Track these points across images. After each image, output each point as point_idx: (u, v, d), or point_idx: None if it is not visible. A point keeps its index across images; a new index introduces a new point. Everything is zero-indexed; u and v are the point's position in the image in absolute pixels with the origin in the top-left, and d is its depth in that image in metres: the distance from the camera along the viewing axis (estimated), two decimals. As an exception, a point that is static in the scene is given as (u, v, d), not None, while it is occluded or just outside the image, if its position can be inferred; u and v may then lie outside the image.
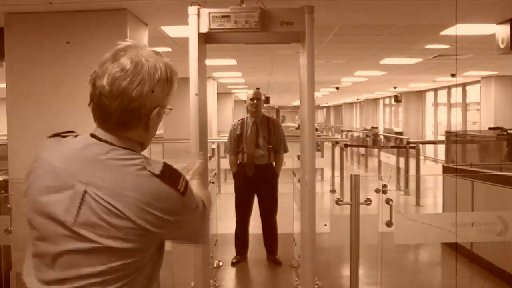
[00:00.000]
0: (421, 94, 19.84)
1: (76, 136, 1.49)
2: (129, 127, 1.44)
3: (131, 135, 1.46)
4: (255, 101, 5.53)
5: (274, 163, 5.57)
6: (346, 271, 4.87)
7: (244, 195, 5.60)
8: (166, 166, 1.42)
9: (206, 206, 1.57)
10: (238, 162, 5.59)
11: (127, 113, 1.41)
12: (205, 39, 3.60)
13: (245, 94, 25.69)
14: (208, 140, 4.94)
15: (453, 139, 9.17)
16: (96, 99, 1.42)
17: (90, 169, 1.38)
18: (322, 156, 11.28)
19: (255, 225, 5.73)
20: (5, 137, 4.67)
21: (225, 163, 11.18)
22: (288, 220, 5.82)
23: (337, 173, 10.54)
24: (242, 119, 5.66)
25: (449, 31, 6.25)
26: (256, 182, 5.50)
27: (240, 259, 5.63)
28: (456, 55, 8.58)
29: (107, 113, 1.42)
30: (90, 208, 1.35)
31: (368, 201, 3.81)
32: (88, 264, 1.36)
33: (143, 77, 1.41)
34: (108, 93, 1.40)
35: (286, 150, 5.63)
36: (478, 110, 14.68)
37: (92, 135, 1.46)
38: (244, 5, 3.47)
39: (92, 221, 1.35)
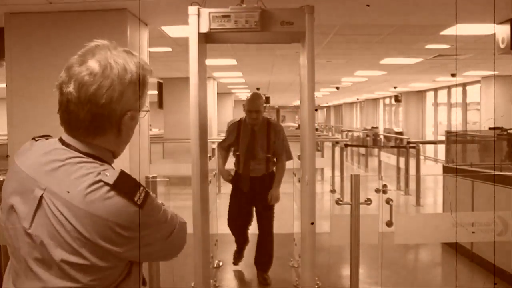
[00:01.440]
0: (421, 94, 19.84)
1: (47, 139, 1.43)
2: (98, 133, 1.35)
3: (100, 141, 1.36)
4: (253, 115, 4.85)
5: (274, 170, 5.00)
6: (346, 271, 4.87)
7: (240, 209, 5.04)
8: (121, 176, 1.29)
9: (183, 221, 1.46)
10: (235, 171, 5.09)
11: (97, 120, 1.33)
12: (205, 39, 3.60)
13: (245, 94, 25.62)
14: (208, 140, 4.95)
15: (453, 139, 9.17)
16: (64, 106, 1.34)
17: (47, 175, 1.30)
18: (322, 156, 11.29)
19: (255, 224, 5.73)
20: (5, 137, 4.66)
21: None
22: (288, 220, 5.82)
23: (337, 173, 10.55)
24: (239, 120, 5.05)
25: (449, 31, 6.25)
26: (252, 196, 4.95)
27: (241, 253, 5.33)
28: (456, 55, 8.58)
29: (75, 120, 1.33)
30: (45, 215, 1.27)
31: (368, 201, 3.81)
32: (45, 275, 1.28)
33: (113, 81, 1.32)
34: (76, 100, 1.31)
35: (289, 158, 4.98)
36: (478, 110, 14.68)
37: (60, 139, 1.38)
38: (244, 5, 3.46)
39: (47, 230, 1.27)
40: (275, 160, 4.94)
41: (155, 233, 1.35)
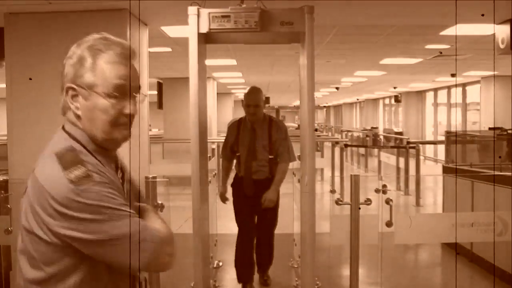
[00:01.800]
0: (421, 94, 19.84)
1: None
2: (64, 111, 1.47)
3: (71, 121, 1.46)
4: (251, 109, 4.54)
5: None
6: (346, 271, 4.86)
7: (244, 213, 4.68)
8: (67, 150, 1.38)
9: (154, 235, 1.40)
10: (236, 174, 4.76)
11: (61, 94, 1.46)
12: (205, 39, 3.60)
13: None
14: (208, 140, 4.95)
15: (453, 139, 9.17)
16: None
17: (40, 155, 1.44)
18: (322, 156, 11.29)
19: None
20: (5, 137, 4.67)
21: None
22: (288, 220, 5.82)
23: (337, 173, 10.55)
24: (240, 119, 4.74)
25: (449, 31, 6.25)
26: (257, 200, 4.55)
27: (246, 286, 4.82)
28: (456, 55, 8.58)
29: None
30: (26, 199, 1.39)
31: (368, 201, 3.81)
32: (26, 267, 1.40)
33: (64, 63, 1.45)
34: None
35: (292, 159, 4.62)
36: (478, 110, 14.68)
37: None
38: (244, 5, 3.47)
39: (23, 216, 1.39)
40: (275, 160, 4.60)
41: (89, 222, 1.31)
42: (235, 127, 4.70)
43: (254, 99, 4.57)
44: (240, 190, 4.65)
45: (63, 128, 1.46)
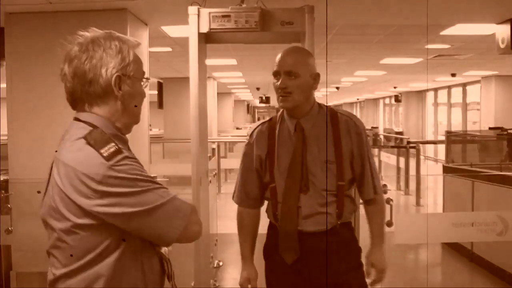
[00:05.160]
0: (421, 94, 19.85)
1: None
2: (93, 102, 1.51)
3: (98, 110, 1.51)
4: (283, 83, 2.25)
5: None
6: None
7: None
8: (94, 131, 1.45)
9: (185, 205, 1.52)
10: (269, 223, 2.44)
11: (85, 89, 1.50)
12: (205, 39, 3.60)
13: (245, 94, 25.47)
14: (208, 140, 4.94)
15: (453, 139, 9.18)
16: (65, 88, 1.55)
17: (59, 149, 1.49)
18: (322, 156, 11.26)
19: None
20: (5, 137, 4.67)
21: (226, 163, 11.25)
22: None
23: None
24: (271, 119, 2.44)
25: (449, 31, 6.25)
26: (307, 278, 2.30)
27: None
28: (454, 55, 8.58)
29: (71, 93, 1.53)
30: (51, 182, 1.46)
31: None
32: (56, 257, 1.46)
33: (90, 52, 1.50)
34: (69, 77, 1.52)
35: (381, 190, 2.46)
36: (478, 110, 14.68)
37: (74, 118, 1.56)
38: (244, 5, 3.47)
39: (49, 205, 1.45)
40: (350, 191, 2.39)
41: (129, 196, 1.39)
42: (264, 136, 2.38)
43: (288, 61, 2.28)
44: (274, 251, 2.38)
45: (77, 119, 1.51)
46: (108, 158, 1.38)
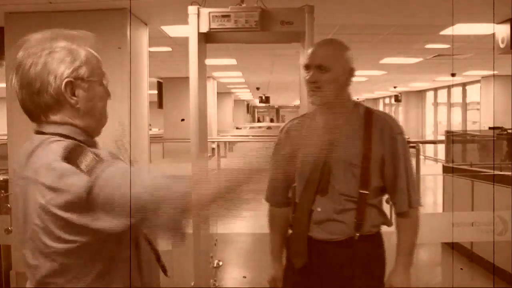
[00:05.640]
0: (421, 93, 19.85)
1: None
2: (47, 113, 1.38)
3: (56, 118, 1.39)
4: (313, 76, 2.14)
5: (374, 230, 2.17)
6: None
7: None
8: (69, 146, 1.32)
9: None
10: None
11: (36, 97, 1.37)
12: (205, 38, 3.60)
13: (245, 94, 25.45)
14: (208, 140, 4.94)
15: (453, 138, 9.17)
16: (18, 100, 1.43)
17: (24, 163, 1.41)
18: (322, 156, 11.26)
19: (255, 224, 5.73)
20: (5, 137, 4.66)
21: (226, 163, 11.21)
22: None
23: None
24: (304, 114, 2.40)
25: (449, 31, 6.25)
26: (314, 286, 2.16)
27: None
28: (453, 54, 8.58)
29: (22, 105, 1.42)
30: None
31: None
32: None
33: (34, 58, 1.37)
34: (16, 86, 1.42)
35: (417, 203, 2.19)
36: (478, 110, 14.68)
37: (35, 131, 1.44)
38: (244, 5, 3.47)
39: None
40: (377, 201, 2.17)
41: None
42: (292, 133, 2.27)
43: (320, 54, 2.20)
44: (289, 258, 2.27)
45: (41, 132, 1.39)
46: (90, 172, 1.27)
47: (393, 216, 2.22)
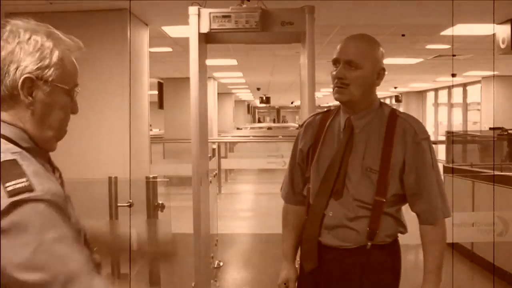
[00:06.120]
0: (421, 94, 19.87)
1: None
2: (1, 103, 1.20)
3: (5, 116, 1.21)
4: (340, 72, 2.04)
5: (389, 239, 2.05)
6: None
7: None
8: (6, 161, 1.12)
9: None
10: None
11: None
12: (206, 39, 3.61)
13: (245, 94, 25.46)
14: (209, 140, 4.94)
15: (453, 139, 9.17)
16: None
17: None
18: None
19: (256, 224, 5.73)
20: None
21: (226, 163, 11.25)
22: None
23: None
24: (328, 110, 2.25)
25: (449, 31, 6.25)
26: None
27: None
28: (453, 55, 8.58)
29: None
30: None
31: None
32: None
33: (3, 43, 1.21)
34: None
35: (446, 213, 2.13)
36: (478, 110, 14.69)
37: None
38: (244, 5, 3.47)
39: None
40: (394, 209, 2.03)
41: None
42: (312, 129, 2.16)
43: (351, 49, 2.05)
44: (302, 262, 2.16)
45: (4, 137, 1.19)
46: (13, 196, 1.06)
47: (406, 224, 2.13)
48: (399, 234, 2.08)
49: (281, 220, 2.26)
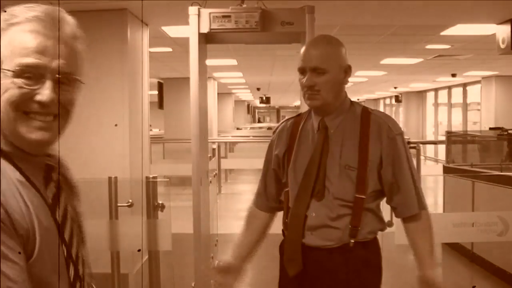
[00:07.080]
0: (421, 94, 19.87)
1: None
2: None
3: None
4: (308, 80, 1.98)
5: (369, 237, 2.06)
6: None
7: None
8: None
9: None
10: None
11: None
12: (206, 39, 3.61)
13: (245, 94, 25.52)
14: (209, 140, 4.94)
15: (453, 139, 9.18)
16: None
17: None
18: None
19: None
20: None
21: (226, 163, 11.26)
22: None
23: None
24: (299, 114, 2.28)
25: (449, 31, 6.25)
26: None
27: None
28: (453, 55, 8.58)
29: None
30: None
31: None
32: None
33: None
34: None
35: (421, 206, 2.17)
36: (478, 110, 14.69)
37: None
38: (244, 5, 3.47)
39: None
40: (374, 205, 2.07)
41: None
42: (285, 134, 2.17)
43: (314, 56, 2.00)
44: (283, 265, 2.15)
45: None
46: None
47: (393, 217, 2.21)
48: (397, 235, 2.11)
49: (244, 223, 2.28)
